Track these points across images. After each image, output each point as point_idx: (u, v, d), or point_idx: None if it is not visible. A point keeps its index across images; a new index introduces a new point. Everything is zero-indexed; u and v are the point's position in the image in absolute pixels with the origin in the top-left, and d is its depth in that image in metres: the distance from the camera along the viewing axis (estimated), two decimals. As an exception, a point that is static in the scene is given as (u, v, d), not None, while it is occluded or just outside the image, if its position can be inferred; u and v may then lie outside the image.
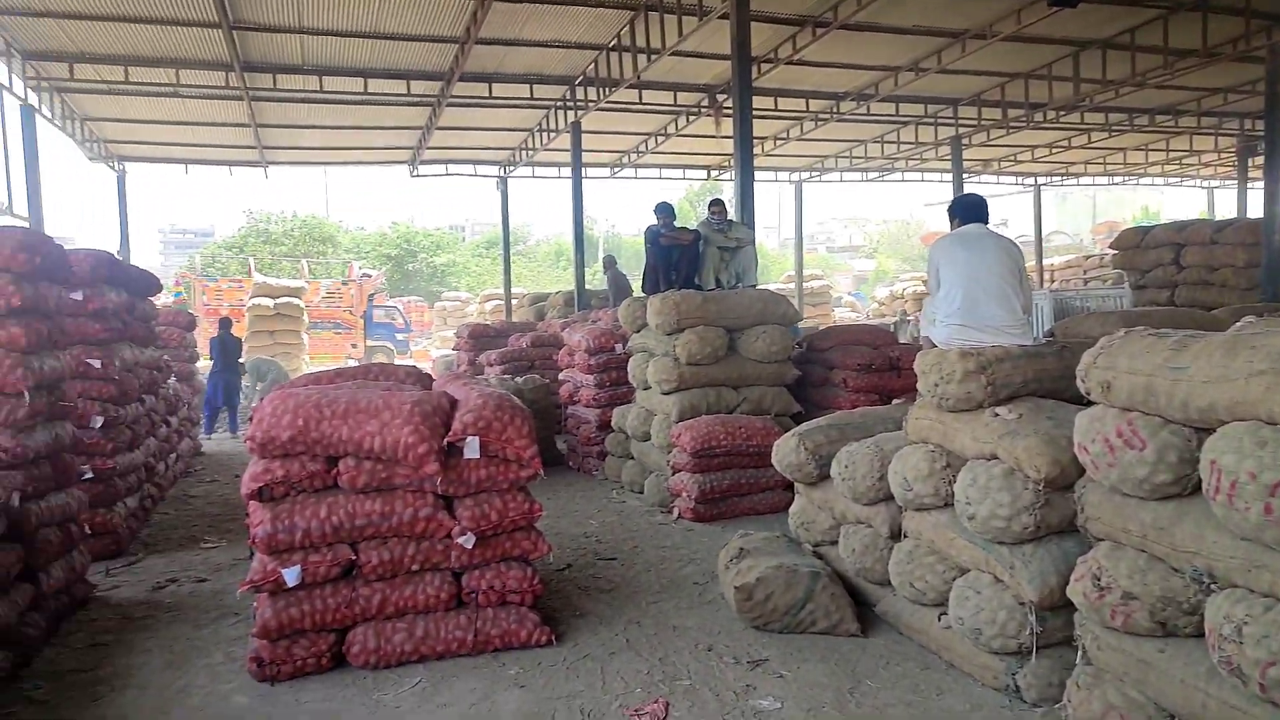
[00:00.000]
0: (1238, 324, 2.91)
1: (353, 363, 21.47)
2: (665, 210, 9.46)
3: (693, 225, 9.80)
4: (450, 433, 4.08)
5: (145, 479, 7.21)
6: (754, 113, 10.31)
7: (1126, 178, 28.13)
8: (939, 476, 3.88)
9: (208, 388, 12.34)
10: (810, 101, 16.71)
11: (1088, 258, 26.88)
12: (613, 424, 8.23)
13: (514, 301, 21.58)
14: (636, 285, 13.08)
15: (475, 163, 21.59)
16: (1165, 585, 2.80)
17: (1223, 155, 23.85)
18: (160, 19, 11.27)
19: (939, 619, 3.96)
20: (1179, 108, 18.46)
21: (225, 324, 13.10)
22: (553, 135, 17.46)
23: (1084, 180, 28.68)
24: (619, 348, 8.50)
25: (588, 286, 17.04)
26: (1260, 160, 15.90)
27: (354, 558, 3.99)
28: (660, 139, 19.32)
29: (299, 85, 14.04)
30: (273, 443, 3.98)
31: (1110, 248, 17.25)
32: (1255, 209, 17.28)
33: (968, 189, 20.03)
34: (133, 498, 6.74)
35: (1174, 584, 2.79)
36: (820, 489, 4.91)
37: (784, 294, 9.14)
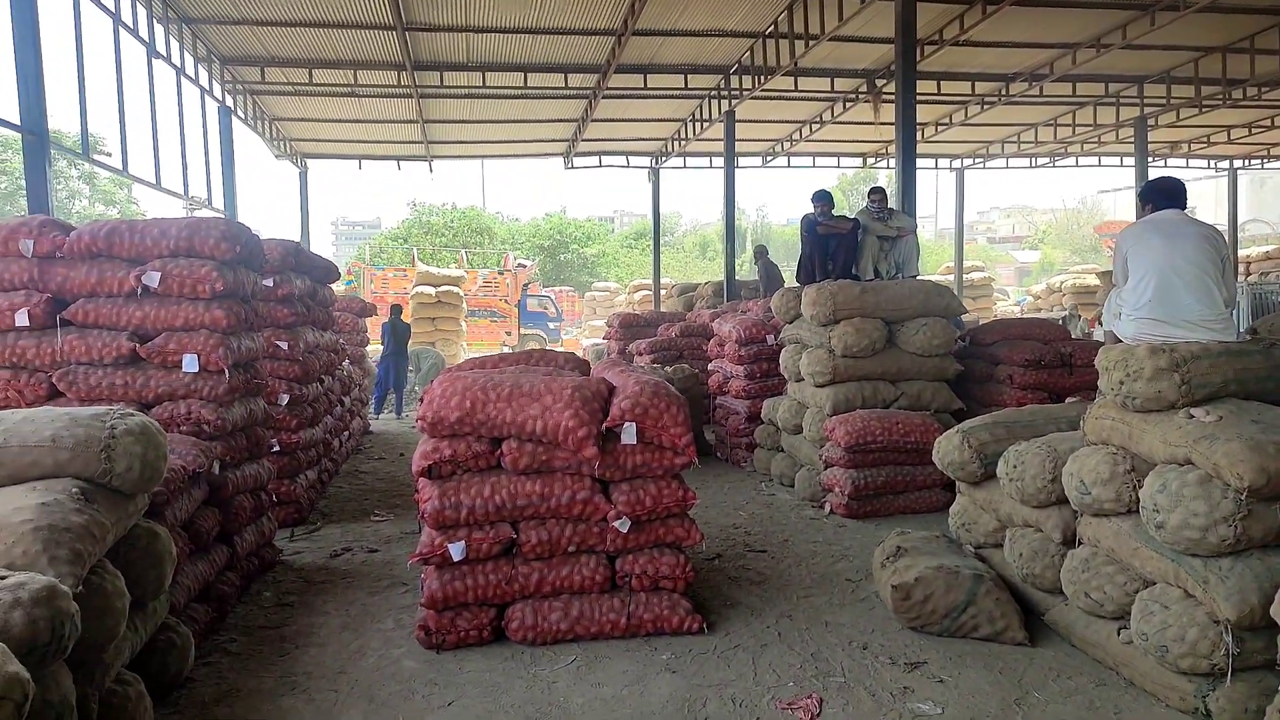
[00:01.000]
0: None
1: (508, 349, 22.28)
2: (824, 198, 9.25)
3: (849, 214, 9.56)
4: (609, 418, 4.17)
5: (323, 454, 7.75)
6: (916, 98, 9.92)
7: (1338, 159, 25.36)
8: (1122, 480, 3.63)
9: (379, 370, 13.04)
10: (976, 84, 15.98)
11: (1290, 248, 24.43)
12: (763, 416, 8.15)
13: (662, 292, 21.75)
14: (788, 275, 12.91)
15: (628, 154, 21.93)
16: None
17: None
18: (342, 23, 12.07)
19: (1118, 633, 3.71)
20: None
21: (396, 310, 13.79)
22: (706, 125, 17.47)
23: (1287, 162, 26.07)
24: (771, 339, 8.41)
25: (736, 277, 16.96)
26: None
27: (514, 536, 4.14)
28: (815, 126, 18.93)
29: (463, 81, 14.76)
30: (442, 423, 4.18)
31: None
32: None
33: (1153, 174, 18.55)
34: (312, 470, 7.27)
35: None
36: (984, 489, 4.70)
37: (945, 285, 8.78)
